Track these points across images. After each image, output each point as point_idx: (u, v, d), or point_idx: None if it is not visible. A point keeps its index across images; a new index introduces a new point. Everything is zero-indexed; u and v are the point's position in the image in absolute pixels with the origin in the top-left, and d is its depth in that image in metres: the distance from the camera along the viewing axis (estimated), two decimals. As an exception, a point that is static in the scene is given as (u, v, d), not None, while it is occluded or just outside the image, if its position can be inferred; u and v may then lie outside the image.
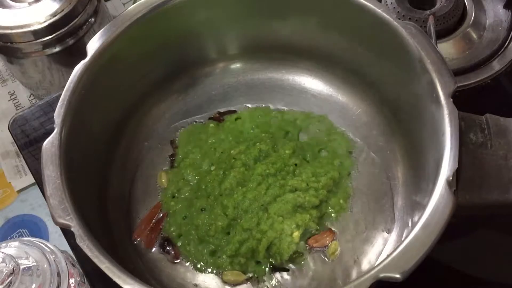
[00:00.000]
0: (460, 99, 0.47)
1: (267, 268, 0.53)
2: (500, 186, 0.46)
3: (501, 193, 0.45)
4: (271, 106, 0.63)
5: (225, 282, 0.53)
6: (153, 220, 0.56)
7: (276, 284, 0.52)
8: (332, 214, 0.55)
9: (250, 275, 0.53)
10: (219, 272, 0.53)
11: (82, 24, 0.69)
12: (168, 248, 0.55)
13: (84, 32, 0.70)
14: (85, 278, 0.52)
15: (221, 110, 0.64)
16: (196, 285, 0.53)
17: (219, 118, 0.63)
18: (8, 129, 0.69)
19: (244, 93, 0.65)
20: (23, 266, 0.44)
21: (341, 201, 0.56)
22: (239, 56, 0.65)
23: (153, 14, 0.55)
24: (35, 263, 0.45)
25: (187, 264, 0.54)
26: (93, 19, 0.71)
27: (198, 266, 0.54)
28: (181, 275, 0.54)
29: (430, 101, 0.48)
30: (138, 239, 0.55)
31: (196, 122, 0.63)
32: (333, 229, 0.55)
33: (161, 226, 0.56)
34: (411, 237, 0.41)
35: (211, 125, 0.62)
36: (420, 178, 0.51)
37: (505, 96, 0.67)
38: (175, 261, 0.54)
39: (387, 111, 0.59)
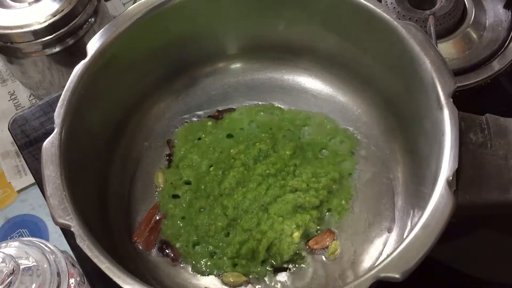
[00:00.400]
0: (460, 99, 0.47)
1: (268, 269, 0.53)
2: (500, 186, 0.46)
3: (501, 193, 0.45)
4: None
5: (225, 284, 0.53)
6: (152, 222, 0.56)
7: (276, 285, 0.52)
8: (334, 215, 0.55)
9: (250, 276, 0.53)
10: (219, 273, 0.53)
11: (82, 24, 0.69)
12: (167, 251, 0.55)
13: (84, 32, 0.70)
14: (85, 278, 0.52)
15: (220, 109, 0.64)
16: (196, 286, 0.53)
17: (218, 116, 0.63)
18: (8, 129, 0.69)
19: (244, 93, 0.65)
20: (23, 266, 0.44)
21: (343, 202, 0.56)
22: (239, 56, 0.65)
23: (153, 14, 0.55)
24: (35, 263, 0.45)
25: (187, 265, 0.54)
26: (93, 19, 0.71)
27: (198, 267, 0.53)
28: (181, 275, 0.54)
29: (430, 101, 0.48)
30: (138, 241, 0.55)
31: (194, 120, 0.63)
32: (333, 229, 0.55)
33: (159, 228, 0.56)
34: (411, 237, 0.41)
35: (209, 123, 0.62)
36: (420, 178, 0.51)
37: (505, 96, 0.67)
38: (175, 263, 0.54)
39: (387, 111, 0.59)
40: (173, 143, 0.61)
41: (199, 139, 0.61)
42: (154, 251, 0.55)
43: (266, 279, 0.53)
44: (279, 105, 0.63)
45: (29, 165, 0.66)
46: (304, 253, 0.53)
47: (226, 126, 0.62)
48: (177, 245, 0.55)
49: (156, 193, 0.58)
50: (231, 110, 0.63)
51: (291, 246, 0.52)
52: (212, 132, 0.61)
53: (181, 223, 0.56)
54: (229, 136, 0.61)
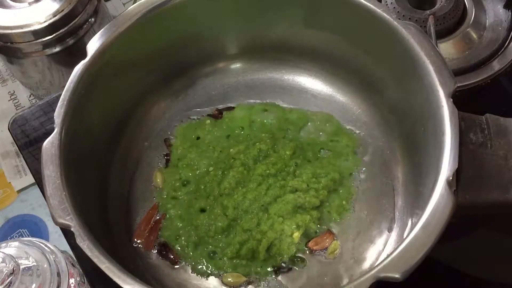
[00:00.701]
0: (460, 99, 0.47)
1: (268, 270, 0.53)
2: (500, 186, 0.46)
3: (501, 193, 0.45)
4: (271, 106, 0.64)
5: (225, 284, 0.53)
6: (151, 222, 0.56)
7: (276, 285, 0.52)
8: (334, 215, 0.55)
9: (251, 277, 0.53)
10: (219, 273, 0.53)
11: (82, 24, 0.69)
12: (165, 252, 0.54)
13: (84, 32, 0.70)
14: (85, 278, 0.52)
15: (220, 107, 0.64)
16: (196, 286, 0.53)
17: (217, 115, 0.63)
18: (8, 129, 0.69)
19: (244, 93, 0.65)
20: (23, 266, 0.44)
21: (344, 202, 0.56)
22: (239, 56, 0.65)
23: (153, 14, 0.55)
24: (35, 263, 0.45)
25: (187, 266, 0.54)
26: (93, 19, 0.71)
27: (198, 268, 0.53)
28: (181, 276, 0.53)
29: (430, 101, 0.48)
30: (138, 241, 0.55)
31: (192, 118, 0.63)
32: (333, 229, 0.55)
33: (159, 228, 0.56)
34: (411, 237, 0.41)
35: (208, 121, 0.62)
36: (420, 178, 0.51)
37: (505, 96, 0.67)
38: (175, 265, 0.54)
39: (387, 111, 0.59)
40: (170, 142, 0.61)
41: (198, 138, 0.61)
42: (153, 254, 0.55)
43: (266, 279, 0.53)
44: (279, 105, 0.63)
45: (29, 165, 0.66)
46: (304, 253, 0.53)
47: (226, 125, 0.62)
48: (177, 245, 0.55)
49: (156, 193, 0.58)
50: (230, 108, 0.63)
51: (291, 246, 0.52)
52: (212, 131, 0.61)
53: (180, 224, 0.56)
54: (229, 136, 0.61)
